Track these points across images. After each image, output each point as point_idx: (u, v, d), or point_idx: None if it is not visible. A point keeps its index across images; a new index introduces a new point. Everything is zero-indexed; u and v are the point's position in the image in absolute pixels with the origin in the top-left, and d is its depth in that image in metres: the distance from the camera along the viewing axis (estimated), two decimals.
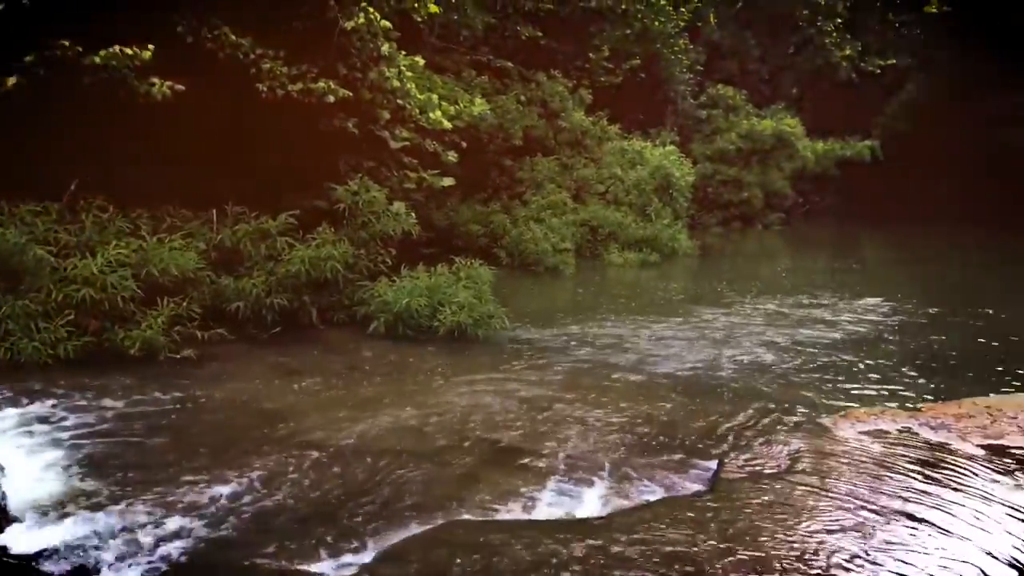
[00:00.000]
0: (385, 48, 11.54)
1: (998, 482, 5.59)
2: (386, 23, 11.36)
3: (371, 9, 11.09)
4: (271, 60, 10.56)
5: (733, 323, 12.23)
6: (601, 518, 5.28)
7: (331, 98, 10.70)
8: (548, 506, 5.63)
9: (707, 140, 29.70)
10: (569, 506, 5.61)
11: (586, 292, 15.72)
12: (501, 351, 10.11)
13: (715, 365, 9.68)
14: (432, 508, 5.51)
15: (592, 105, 22.88)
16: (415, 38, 14.19)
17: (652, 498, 5.68)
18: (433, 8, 12.49)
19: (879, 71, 35.81)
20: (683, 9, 25.57)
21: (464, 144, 15.29)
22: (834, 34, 34.36)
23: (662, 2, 23.68)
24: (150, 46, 9.47)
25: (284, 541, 4.97)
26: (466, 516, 5.42)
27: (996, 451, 6.11)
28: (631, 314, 12.82)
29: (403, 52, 12.29)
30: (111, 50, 9.33)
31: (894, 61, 36.34)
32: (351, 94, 11.01)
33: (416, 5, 12.22)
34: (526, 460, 6.41)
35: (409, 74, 12.17)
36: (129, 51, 9.37)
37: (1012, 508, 5.17)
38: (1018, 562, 4.49)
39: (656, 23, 24.08)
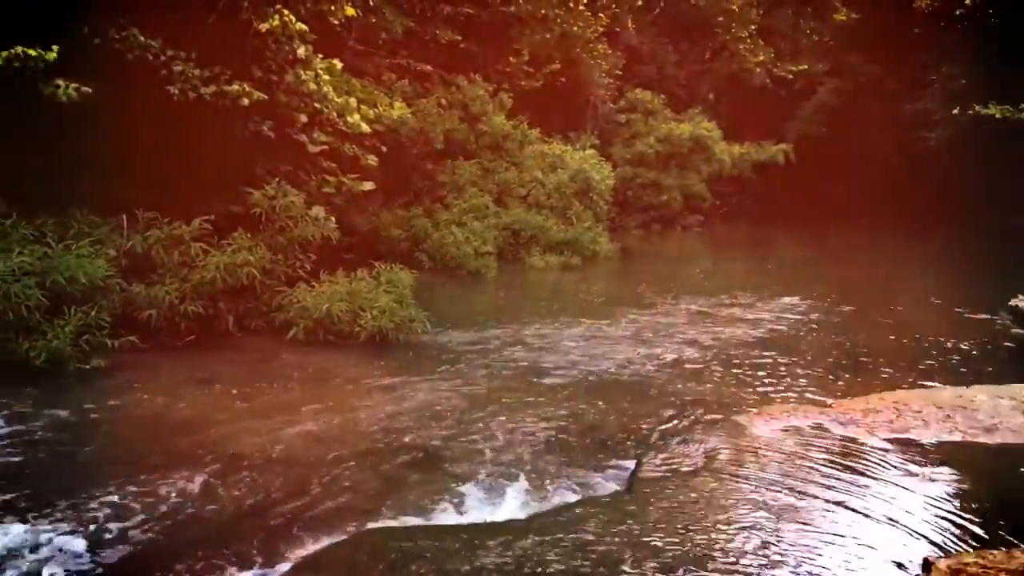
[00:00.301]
0: (301, 51, 11.40)
1: (904, 473, 5.79)
2: (302, 25, 11.22)
3: (286, 11, 10.93)
4: (182, 62, 10.33)
5: (654, 323, 12.40)
6: (521, 521, 5.30)
7: (246, 101, 10.53)
8: (469, 510, 5.63)
9: (627, 144, 30.08)
10: (490, 510, 5.61)
11: (508, 295, 15.76)
12: (424, 355, 10.06)
13: (637, 365, 9.80)
14: (354, 514, 5.47)
15: (513, 109, 22.94)
16: (333, 41, 14.02)
17: (571, 499, 5.73)
18: (350, 11, 12.38)
19: (791, 76, 36.98)
20: (601, 15, 25.92)
21: (384, 148, 15.18)
22: (748, 40, 35.35)
23: (581, 7, 23.96)
24: (54, 47, 9.15)
25: (202, 551, 4.87)
26: (388, 521, 5.39)
27: (902, 443, 6.33)
28: (554, 316, 12.90)
29: (320, 55, 12.14)
30: (13, 51, 8.98)
31: (806, 67, 37.56)
32: (266, 97, 10.85)
33: (332, 8, 12.08)
34: (449, 464, 6.39)
35: (326, 77, 12.05)
36: (33, 52, 9.04)
37: (919, 496, 5.37)
38: (933, 543, 4.66)
39: (575, 28, 24.35)
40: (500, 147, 21.75)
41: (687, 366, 9.77)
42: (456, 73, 21.43)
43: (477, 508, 5.65)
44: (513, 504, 5.70)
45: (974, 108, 17.99)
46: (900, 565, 4.46)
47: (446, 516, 5.51)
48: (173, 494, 5.63)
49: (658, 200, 29.56)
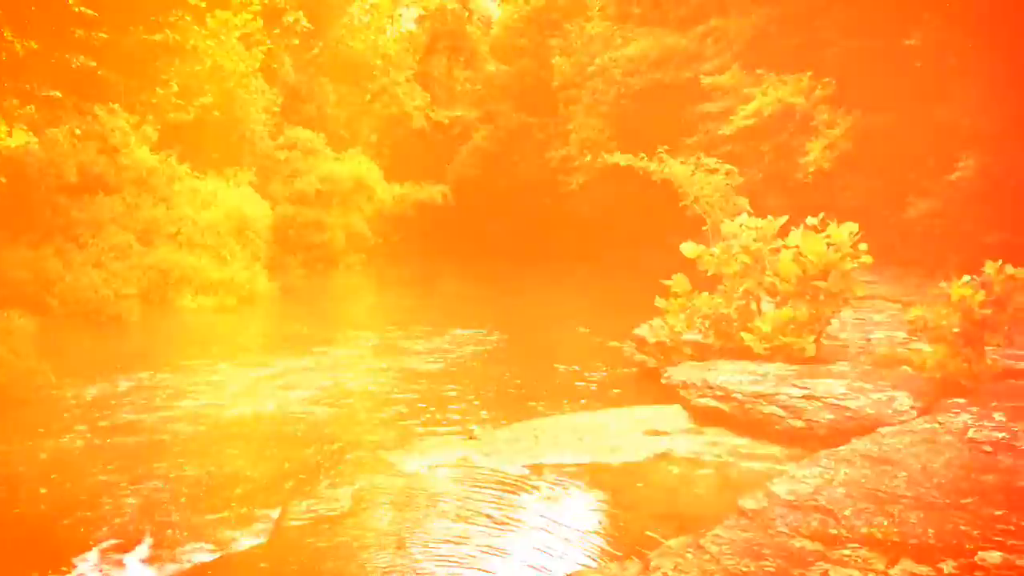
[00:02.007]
0: None
1: (541, 497, 6.06)
2: None
3: None
4: None
5: (314, 363, 12.11)
6: None
7: None
8: None
9: (287, 182, 29.48)
10: None
11: (154, 340, 14.65)
12: (46, 411, 8.97)
13: (292, 407, 9.47)
14: None
15: (161, 142, 21.58)
16: None
17: (206, 559, 5.31)
18: None
19: (448, 121, 38.73)
20: (256, 49, 25.28)
21: (4, 180, 13.50)
22: (406, 84, 36.55)
23: (234, 41, 23.19)
24: None
25: None
26: None
27: (536, 469, 6.62)
28: (204, 360, 12.14)
29: None
30: None
31: (460, 113, 39.55)
32: None
33: None
34: (61, 534, 5.67)
35: None
36: None
37: (555, 519, 5.63)
38: (568, 561, 4.87)
39: (228, 62, 23.49)
40: (145, 182, 20.30)
41: (343, 404, 9.64)
42: (93, 101, 19.66)
43: None
44: (138, 573, 5.16)
45: (603, 156, 19.97)
46: None
47: None
48: None
49: (320, 239, 29.21)
